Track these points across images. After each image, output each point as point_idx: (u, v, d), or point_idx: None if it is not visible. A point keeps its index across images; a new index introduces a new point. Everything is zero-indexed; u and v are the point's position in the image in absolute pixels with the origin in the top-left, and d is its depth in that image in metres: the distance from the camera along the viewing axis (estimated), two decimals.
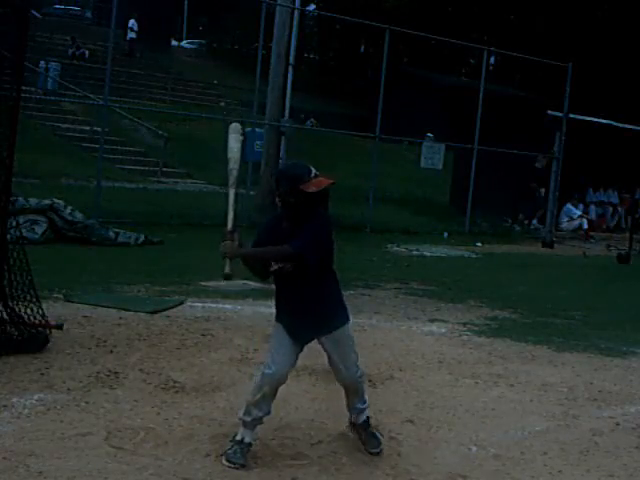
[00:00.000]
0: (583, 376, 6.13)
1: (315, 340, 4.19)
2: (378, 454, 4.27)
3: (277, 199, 4.08)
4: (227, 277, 4.03)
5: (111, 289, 8.00)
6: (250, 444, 4.11)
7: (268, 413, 4.16)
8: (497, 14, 34.98)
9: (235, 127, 4.50)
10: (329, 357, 4.19)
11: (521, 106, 20.05)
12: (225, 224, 4.05)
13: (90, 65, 28.72)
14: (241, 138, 4.45)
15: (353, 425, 4.36)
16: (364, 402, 4.33)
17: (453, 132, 19.65)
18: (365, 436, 4.31)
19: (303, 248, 3.93)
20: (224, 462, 4.03)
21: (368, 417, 4.35)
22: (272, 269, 4.05)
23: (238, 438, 4.11)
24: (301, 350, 4.18)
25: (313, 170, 4.03)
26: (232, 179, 4.26)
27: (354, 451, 4.29)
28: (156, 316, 6.90)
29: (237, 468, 3.99)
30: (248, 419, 4.11)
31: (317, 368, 5.27)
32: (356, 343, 4.29)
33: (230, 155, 4.35)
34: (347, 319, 4.21)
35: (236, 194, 4.24)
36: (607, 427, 5.01)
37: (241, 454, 4.05)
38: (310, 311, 4.10)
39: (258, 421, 4.14)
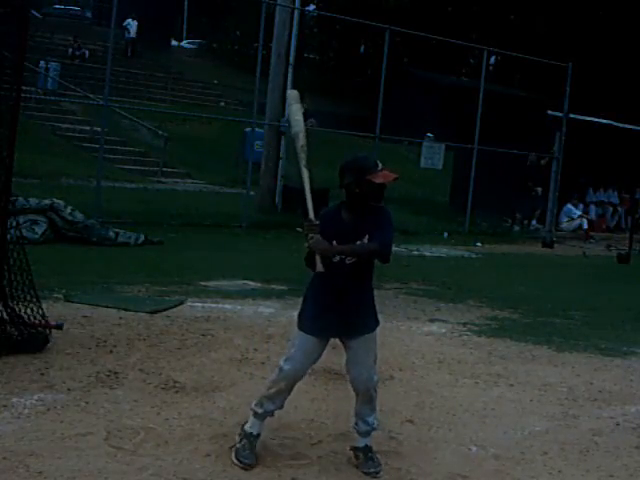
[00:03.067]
0: (583, 376, 6.13)
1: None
2: (374, 475, 4.05)
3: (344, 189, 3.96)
4: (323, 275, 3.86)
5: (111, 289, 8.00)
6: (258, 435, 4.12)
7: (281, 407, 4.17)
8: (497, 14, 34.96)
9: (294, 94, 4.19)
10: (349, 358, 4.09)
11: (521, 106, 20.06)
12: (305, 213, 3.85)
13: (90, 65, 28.71)
14: (303, 108, 4.11)
15: (353, 448, 4.18)
16: (372, 417, 4.14)
17: (453, 132, 19.65)
18: (363, 458, 4.11)
19: (388, 245, 3.95)
20: (233, 459, 4.03)
21: (370, 446, 4.15)
22: (334, 260, 3.89)
23: (247, 429, 4.11)
24: (324, 348, 4.10)
25: (379, 163, 3.98)
26: (304, 157, 4.04)
27: None
28: (156, 316, 6.90)
29: (245, 468, 3.99)
30: (260, 411, 4.11)
31: (317, 368, 5.25)
32: None
33: (296, 129, 4.08)
34: (378, 323, 4.15)
35: (310, 176, 3.96)
36: (607, 427, 5.01)
37: (250, 450, 4.05)
38: (350, 308, 4.00)
39: (269, 414, 4.15)
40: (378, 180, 3.91)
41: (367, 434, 4.15)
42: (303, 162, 4.05)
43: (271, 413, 4.16)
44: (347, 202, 4.01)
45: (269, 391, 4.10)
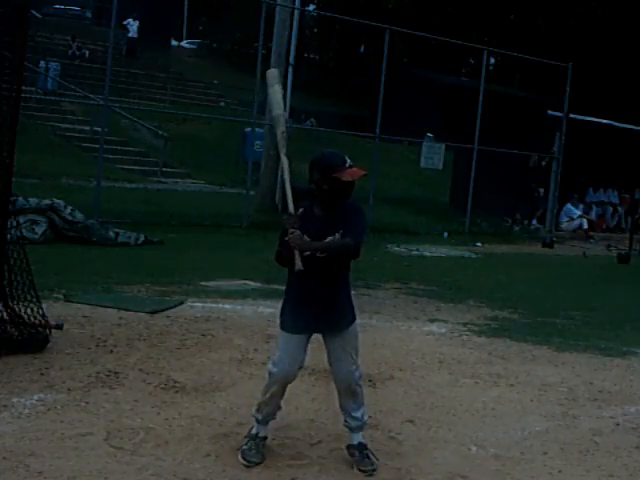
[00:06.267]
0: (583, 376, 6.13)
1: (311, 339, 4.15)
2: (370, 473, 4.02)
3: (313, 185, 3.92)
4: (300, 272, 3.78)
5: (111, 289, 8.00)
6: (265, 437, 4.15)
7: (279, 408, 4.19)
8: (497, 14, 34.97)
9: (274, 74, 3.99)
10: (329, 354, 4.10)
11: (521, 106, 20.02)
12: (284, 207, 3.71)
13: (90, 65, 28.69)
14: (281, 90, 3.89)
15: (348, 446, 4.15)
16: (360, 412, 4.14)
17: (453, 132, 19.64)
18: (358, 455, 4.09)
19: (359, 241, 3.89)
20: (240, 459, 4.05)
21: (364, 443, 4.13)
22: (304, 255, 3.81)
23: (253, 432, 4.14)
24: (307, 344, 4.09)
25: (348, 160, 3.94)
26: (284, 145, 3.90)
27: None
28: (156, 316, 6.90)
29: (249, 466, 4.00)
30: (260, 416, 4.14)
31: (317, 368, 5.27)
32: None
33: (277, 112, 3.93)
34: (354, 318, 4.16)
35: (290, 165, 3.77)
36: (607, 427, 5.01)
37: (256, 450, 4.08)
38: (328, 303, 3.99)
39: (271, 417, 4.18)
40: (345, 178, 3.89)
41: (358, 429, 4.16)
42: (284, 150, 3.96)
43: (272, 416, 4.18)
44: (318, 198, 3.98)
45: (264, 397, 4.12)
